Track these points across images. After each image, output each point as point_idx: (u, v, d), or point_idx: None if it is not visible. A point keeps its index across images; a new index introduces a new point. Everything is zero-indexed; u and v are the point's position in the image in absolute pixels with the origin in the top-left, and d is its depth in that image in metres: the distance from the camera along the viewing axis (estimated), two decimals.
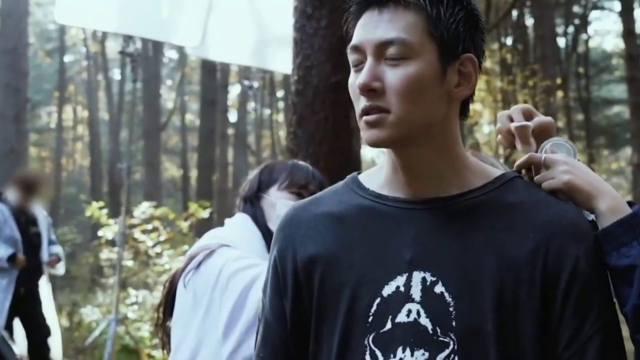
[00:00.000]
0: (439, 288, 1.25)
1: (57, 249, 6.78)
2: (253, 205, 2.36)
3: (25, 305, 6.35)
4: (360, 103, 1.27)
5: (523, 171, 1.41)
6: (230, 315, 1.98)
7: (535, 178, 1.38)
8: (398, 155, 1.31)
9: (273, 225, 2.27)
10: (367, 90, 1.25)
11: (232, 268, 2.04)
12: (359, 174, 1.45)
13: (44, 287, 6.60)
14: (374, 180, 1.40)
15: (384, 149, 1.34)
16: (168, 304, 2.23)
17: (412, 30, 1.25)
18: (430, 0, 1.26)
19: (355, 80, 1.29)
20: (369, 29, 1.27)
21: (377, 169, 1.43)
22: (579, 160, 1.41)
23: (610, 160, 29.62)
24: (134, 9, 6.12)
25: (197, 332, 2.07)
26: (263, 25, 6.95)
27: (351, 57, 1.31)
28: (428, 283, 1.26)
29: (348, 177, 1.45)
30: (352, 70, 1.31)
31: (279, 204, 2.29)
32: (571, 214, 1.29)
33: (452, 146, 1.33)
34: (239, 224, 2.34)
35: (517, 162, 1.41)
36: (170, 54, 31.53)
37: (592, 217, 1.31)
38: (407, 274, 1.27)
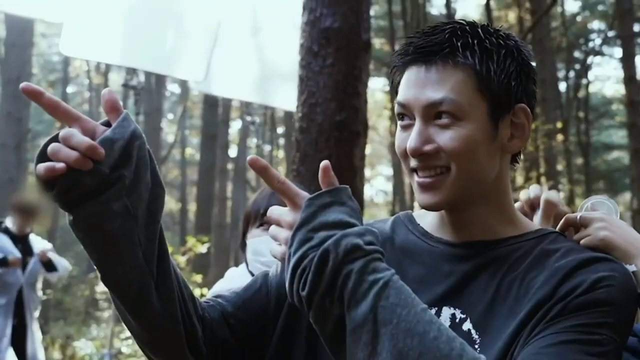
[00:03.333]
0: (467, 325, 1.24)
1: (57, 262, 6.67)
2: (244, 252, 2.45)
3: (18, 336, 6.30)
4: (410, 162, 1.26)
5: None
6: None
7: (574, 237, 1.35)
8: (450, 214, 1.32)
9: (251, 267, 2.37)
10: (419, 154, 1.23)
11: None
12: (412, 212, 1.47)
13: (35, 320, 6.55)
14: (425, 217, 1.41)
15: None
16: None
17: (462, 90, 1.22)
18: (479, 58, 1.23)
19: (401, 137, 1.28)
20: (416, 87, 1.25)
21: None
22: (620, 218, 1.38)
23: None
24: (138, 42, 6.15)
25: None
26: (266, 61, 6.99)
27: (397, 111, 1.29)
28: (457, 320, 1.25)
29: (402, 212, 1.47)
30: (398, 123, 1.30)
31: (248, 244, 2.36)
32: (603, 256, 1.23)
33: (502, 202, 1.33)
34: (240, 272, 2.47)
35: (558, 227, 1.40)
36: (173, 88, 31.67)
37: (632, 267, 1.26)
38: (436, 308, 1.26)
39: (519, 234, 1.31)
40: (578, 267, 1.19)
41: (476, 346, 1.21)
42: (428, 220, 1.39)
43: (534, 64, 1.31)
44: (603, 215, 1.34)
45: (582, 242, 1.31)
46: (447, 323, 1.24)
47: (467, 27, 1.27)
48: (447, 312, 1.26)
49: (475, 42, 1.24)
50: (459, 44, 1.23)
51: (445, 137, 1.22)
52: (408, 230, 1.39)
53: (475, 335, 1.22)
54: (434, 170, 1.23)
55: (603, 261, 1.21)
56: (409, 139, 1.23)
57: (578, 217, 1.36)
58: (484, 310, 1.23)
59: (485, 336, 1.21)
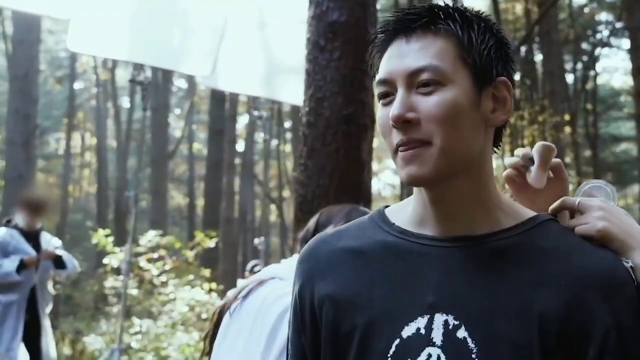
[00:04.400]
0: (461, 333, 1.18)
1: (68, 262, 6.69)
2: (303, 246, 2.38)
3: (30, 332, 6.32)
4: (393, 138, 1.22)
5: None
6: (267, 340, 1.99)
7: (568, 222, 1.30)
8: (433, 191, 1.25)
9: None
10: (402, 122, 1.19)
11: (274, 295, 2.07)
12: (385, 207, 1.39)
13: (47, 317, 6.57)
14: (400, 215, 1.34)
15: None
16: (215, 334, 2.25)
17: (444, 57, 1.20)
18: (460, 26, 1.22)
19: (384, 114, 1.23)
20: (397, 59, 1.22)
21: (404, 203, 1.37)
22: (618, 205, 1.34)
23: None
24: (145, 38, 6.16)
25: (237, 358, 2.08)
26: (273, 56, 6.99)
27: (379, 90, 1.25)
28: (450, 327, 1.19)
29: (374, 210, 1.40)
30: (380, 104, 1.26)
31: None
32: (608, 262, 1.20)
33: (486, 181, 1.27)
34: (292, 264, 2.36)
35: (551, 207, 1.34)
36: (180, 83, 31.73)
37: (630, 263, 1.22)
38: (428, 316, 1.21)
39: (508, 227, 1.25)
40: (584, 283, 1.17)
41: (473, 355, 1.17)
42: (405, 216, 1.33)
43: (511, 48, 1.29)
44: (602, 204, 1.29)
45: (577, 229, 1.26)
46: (441, 330, 1.19)
47: (447, 3, 1.27)
48: (439, 319, 1.20)
49: (456, 13, 1.24)
50: (440, 12, 1.23)
51: (428, 104, 1.18)
52: (384, 232, 1.32)
53: (471, 344, 1.17)
54: (416, 143, 1.19)
55: (607, 268, 1.19)
56: (392, 109, 1.20)
57: (577, 202, 1.31)
58: (480, 319, 1.18)
59: (485, 348, 1.17)
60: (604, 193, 1.38)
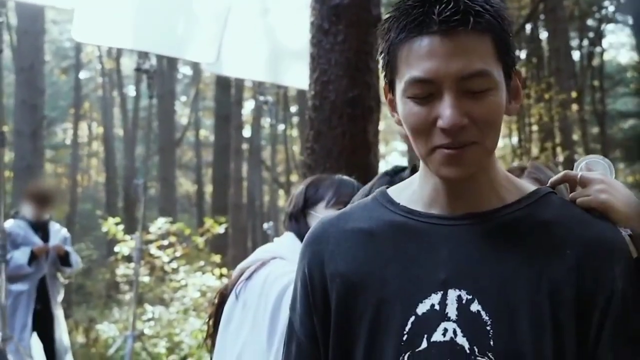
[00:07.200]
0: (475, 306, 1.21)
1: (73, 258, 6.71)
2: (298, 222, 2.37)
3: (42, 321, 6.37)
4: (435, 139, 1.20)
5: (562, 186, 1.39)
6: (271, 319, 2.02)
7: (570, 195, 1.35)
8: (453, 183, 1.27)
9: None
10: (457, 129, 1.17)
11: (274, 275, 2.09)
12: (387, 188, 1.42)
13: (59, 305, 6.62)
14: (404, 195, 1.36)
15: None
16: (219, 316, 2.26)
17: (489, 58, 1.19)
18: (497, 23, 1.21)
19: (420, 112, 1.21)
20: (441, 59, 1.17)
21: (406, 183, 1.40)
22: (615, 178, 1.39)
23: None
24: (149, 26, 6.16)
25: (245, 338, 2.11)
26: (277, 40, 6.98)
27: (417, 90, 1.20)
28: (464, 301, 1.22)
29: (377, 191, 1.42)
30: (410, 101, 1.22)
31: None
32: (609, 232, 1.25)
33: (493, 162, 1.31)
34: (288, 242, 2.36)
35: (552, 179, 1.39)
36: (185, 70, 31.66)
37: (628, 232, 1.28)
38: (442, 292, 1.24)
39: (512, 202, 1.29)
40: (588, 252, 1.22)
41: (488, 328, 1.20)
42: (409, 196, 1.35)
43: (512, 30, 1.28)
44: (603, 177, 1.34)
45: (580, 201, 1.31)
46: (455, 305, 1.22)
47: None
48: (453, 294, 1.23)
49: (488, 6, 1.20)
50: (477, 9, 1.18)
51: (481, 110, 1.18)
52: (391, 212, 1.34)
53: (485, 317, 1.20)
54: (464, 144, 1.19)
55: (609, 237, 1.24)
56: (445, 115, 1.17)
57: (578, 176, 1.36)
58: (492, 292, 1.21)
59: (499, 320, 1.20)
60: (601, 167, 1.43)
